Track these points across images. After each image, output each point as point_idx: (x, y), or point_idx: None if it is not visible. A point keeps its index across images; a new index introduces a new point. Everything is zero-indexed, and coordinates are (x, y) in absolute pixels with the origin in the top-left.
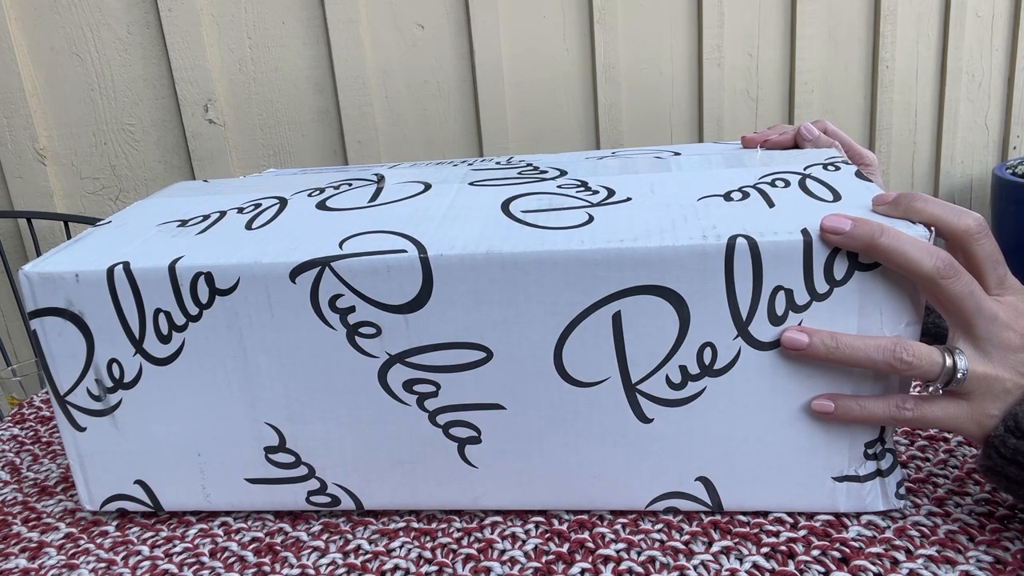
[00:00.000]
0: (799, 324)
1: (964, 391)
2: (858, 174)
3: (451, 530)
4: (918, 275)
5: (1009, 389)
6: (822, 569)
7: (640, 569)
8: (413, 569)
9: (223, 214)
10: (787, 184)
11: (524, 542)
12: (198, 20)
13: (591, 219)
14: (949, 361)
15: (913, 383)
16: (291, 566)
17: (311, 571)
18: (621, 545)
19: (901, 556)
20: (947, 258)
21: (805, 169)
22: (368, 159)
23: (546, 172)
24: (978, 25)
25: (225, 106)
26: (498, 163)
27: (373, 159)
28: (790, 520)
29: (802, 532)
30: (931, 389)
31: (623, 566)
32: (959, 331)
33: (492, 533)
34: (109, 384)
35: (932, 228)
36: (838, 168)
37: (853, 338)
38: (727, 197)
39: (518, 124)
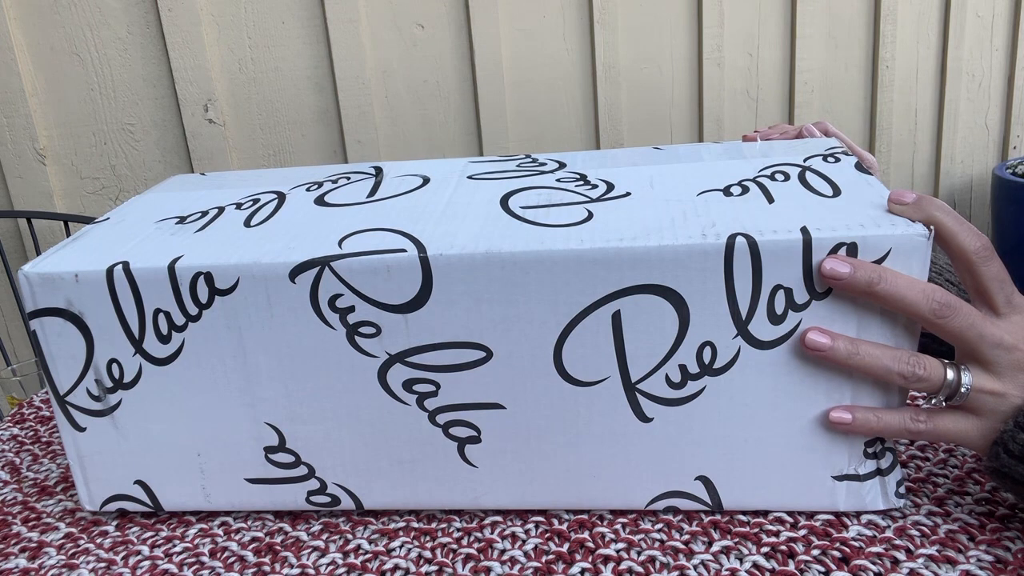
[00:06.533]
0: (798, 323)
1: (973, 407)
2: (858, 166)
3: (451, 530)
4: (915, 317)
5: (1019, 407)
6: (822, 569)
7: (640, 569)
8: (413, 569)
9: (221, 210)
10: (787, 177)
11: (524, 542)
12: (198, 20)
13: (590, 216)
14: (952, 375)
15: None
16: (291, 566)
17: (311, 571)
18: (621, 545)
19: (901, 556)
20: (942, 298)
21: (805, 161)
22: (368, 159)
23: (544, 164)
24: (978, 25)
25: (225, 106)
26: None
27: (373, 159)
28: (790, 520)
29: (802, 532)
30: (934, 401)
31: (623, 566)
32: (966, 357)
33: (492, 533)
34: (109, 384)
35: (931, 228)
36: (838, 160)
37: (873, 346)
38: (727, 192)
39: (518, 124)
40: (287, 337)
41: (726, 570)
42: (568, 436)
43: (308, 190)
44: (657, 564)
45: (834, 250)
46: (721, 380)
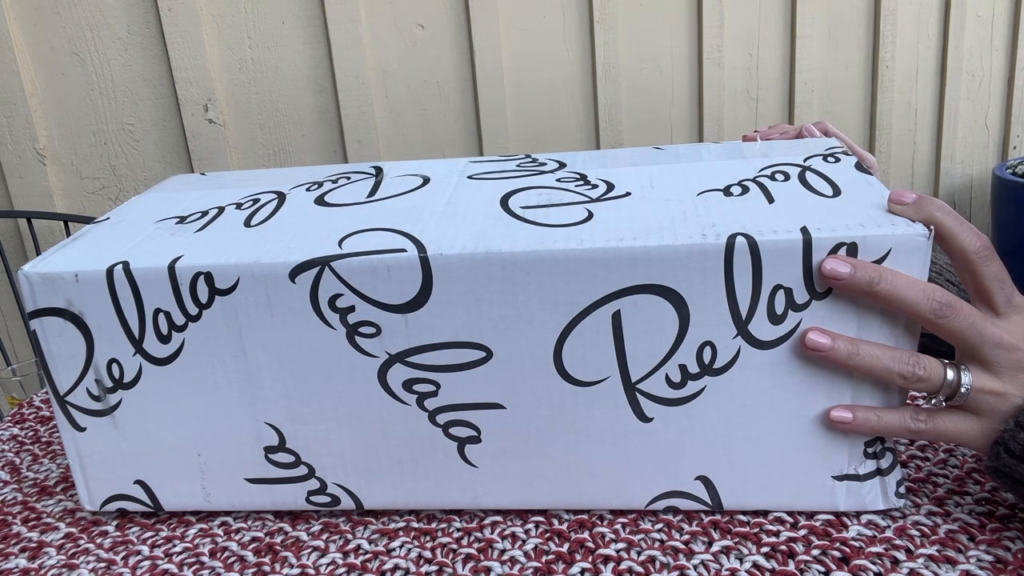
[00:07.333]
0: (798, 323)
1: (973, 406)
2: (858, 166)
3: (451, 530)
4: (916, 317)
5: (1020, 406)
6: (822, 569)
7: (640, 569)
8: (413, 569)
9: (221, 210)
10: (787, 177)
11: (524, 542)
12: (198, 20)
13: (590, 216)
14: (952, 375)
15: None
16: (291, 566)
17: (311, 571)
18: (621, 545)
19: (901, 556)
20: (942, 298)
21: (805, 161)
22: (368, 159)
23: (545, 164)
24: (978, 25)
25: (225, 106)
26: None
27: (373, 159)
28: (790, 520)
29: (802, 532)
30: (934, 402)
31: (623, 566)
32: (966, 357)
33: (492, 533)
34: (109, 384)
35: (931, 228)
36: (838, 159)
37: (873, 346)
38: (727, 192)
39: (518, 124)
40: (287, 337)
41: (726, 570)
42: (568, 436)
43: (308, 190)
44: (657, 564)
45: (834, 250)
46: (721, 380)
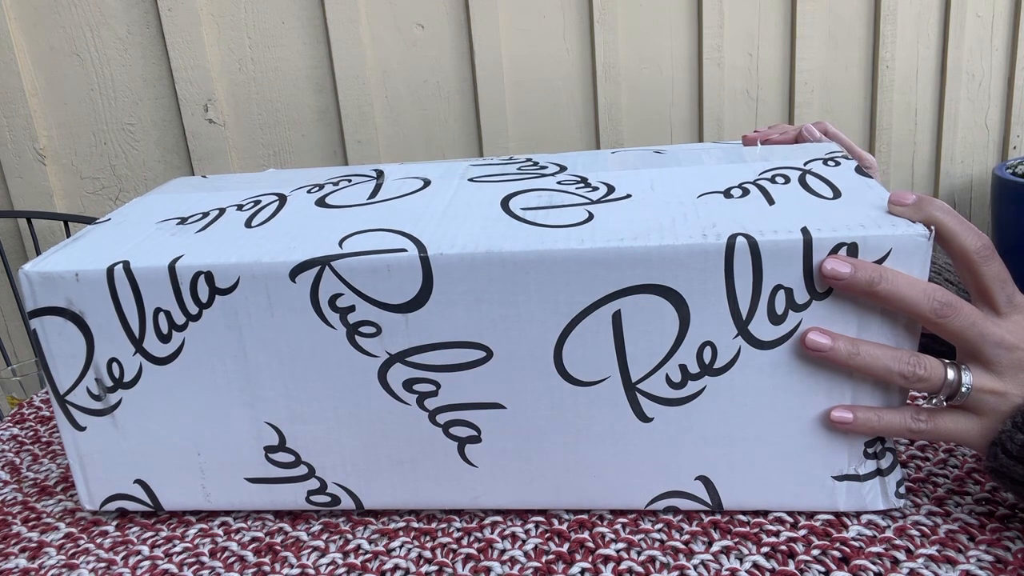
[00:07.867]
0: (798, 323)
1: (974, 406)
2: (858, 169)
3: (451, 530)
4: (916, 317)
5: (1020, 406)
6: (822, 569)
7: (640, 569)
8: (413, 569)
9: (222, 211)
10: (787, 180)
11: (524, 542)
12: (198, 20)
13: (591, 217)
14: (953, 375)
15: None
16: (291, 566)
17: (311, 571)
18: (621, 545)
19: (901, 556)
20: (943, 298)
21: (805, 164)
22: (368, 159)
23: (546, 168)
24: (978, 25)
25: (225, 106)
26: (498, 160)
27: (373, 159)
28: (790, 520)
29: (802, 532)
30: (935, 401)
31: (623, 566)
32: (967, 357)
33: (492, 533)
34: (109, 384)
35: (932, 228)
36: (838, 163)
37: (873, 346)
38: (727, 194)
39: (518, 124)
40: (287, 336)
41: (726, 570)
42: (568, 436)
43: (309, 192)
44: (657, 564)
45: (834, 250)
46: (721, 380)
